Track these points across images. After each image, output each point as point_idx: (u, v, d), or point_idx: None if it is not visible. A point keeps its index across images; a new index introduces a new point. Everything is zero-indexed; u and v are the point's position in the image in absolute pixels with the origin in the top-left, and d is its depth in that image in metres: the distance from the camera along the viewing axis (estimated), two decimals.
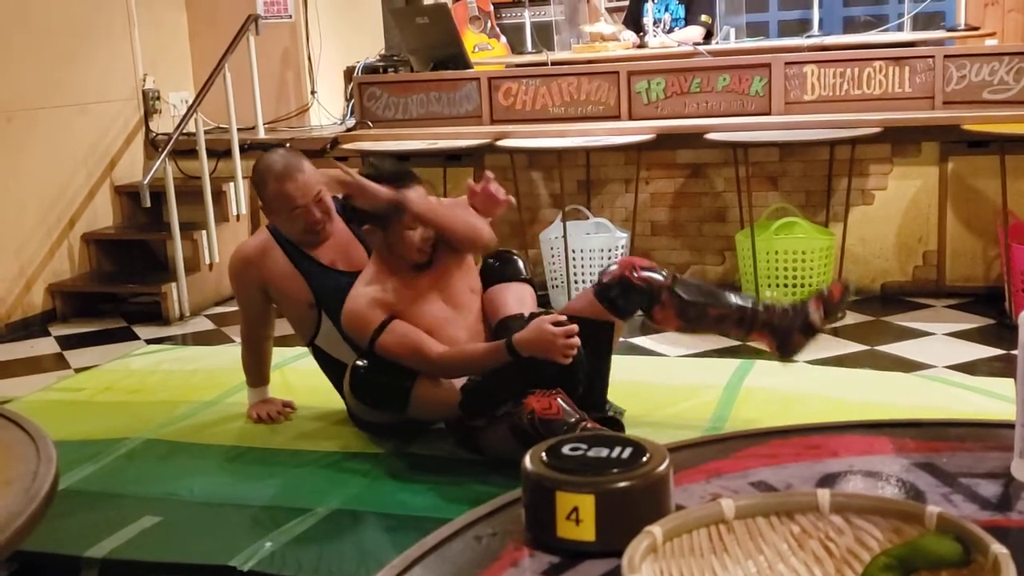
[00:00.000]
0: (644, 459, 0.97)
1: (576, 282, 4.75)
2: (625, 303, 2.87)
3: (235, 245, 5.63)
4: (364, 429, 3.20)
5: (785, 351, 2.92)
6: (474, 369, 2.76)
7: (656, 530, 0.82)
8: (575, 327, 2.64)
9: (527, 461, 1.01)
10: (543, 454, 1.02)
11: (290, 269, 3.19)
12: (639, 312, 2.93)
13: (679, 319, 2.90)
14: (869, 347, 4.20)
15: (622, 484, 0.94)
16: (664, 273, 2.90)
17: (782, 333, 2.85)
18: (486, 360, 2.74)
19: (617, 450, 0.99)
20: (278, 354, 4.33)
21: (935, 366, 3.88)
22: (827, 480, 1.01)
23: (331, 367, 3.24)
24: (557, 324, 2.62)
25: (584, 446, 1.02)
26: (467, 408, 2.78)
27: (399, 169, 2.94)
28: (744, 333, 2.92)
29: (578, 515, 0.94)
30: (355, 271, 3.10)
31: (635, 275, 2.85)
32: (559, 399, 2.66)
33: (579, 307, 2.95)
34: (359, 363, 2.89)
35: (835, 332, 4.42)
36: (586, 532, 0.93)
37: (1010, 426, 1.01)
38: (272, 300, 3.29)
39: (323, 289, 3.16)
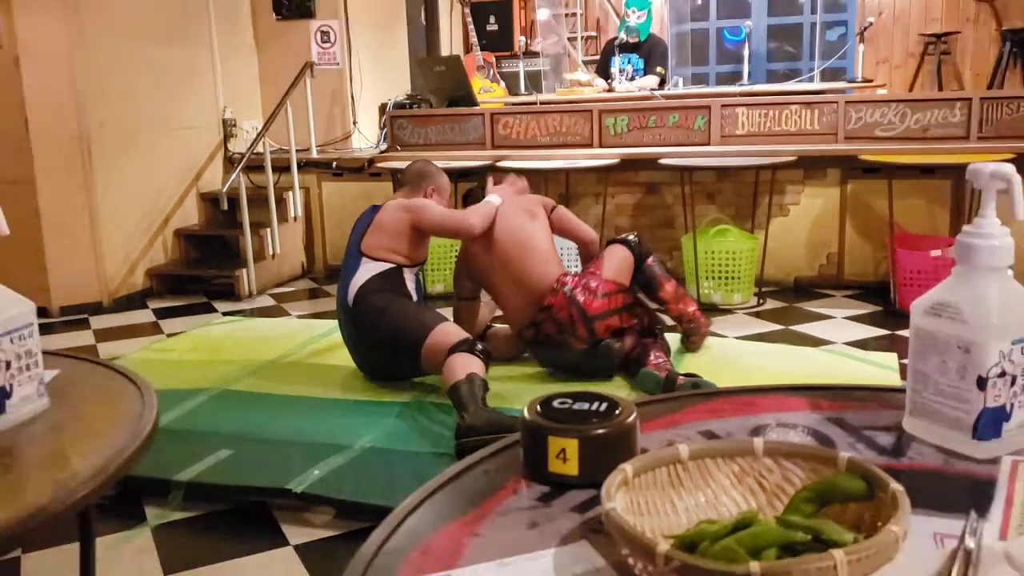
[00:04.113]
0: (617, 412, 0.96)
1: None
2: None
3: (293, 241, 5.67)
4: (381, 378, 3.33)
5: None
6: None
7: (627, 467, 0.81)
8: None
9: (525, 412, 1.00)
10: (538, 407, 1.00)
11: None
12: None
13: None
14: (784, 326, 4.19)
15: (600, 431, 0.93)
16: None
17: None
18: None
19: (596, 404, 0.98)
20: (311, 327, 4.30)
21: (835, 342, 3.88)
22: (759, 430, 1.00)
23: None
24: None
25: (570, 401, 1.01)
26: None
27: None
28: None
29: (565, 455, 0.93)
30: None
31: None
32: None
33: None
34: None
35: (757, 315, 4.41)
36: (571, 468, 0.92)
37: (902, 391, 1.00)
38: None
39: None
